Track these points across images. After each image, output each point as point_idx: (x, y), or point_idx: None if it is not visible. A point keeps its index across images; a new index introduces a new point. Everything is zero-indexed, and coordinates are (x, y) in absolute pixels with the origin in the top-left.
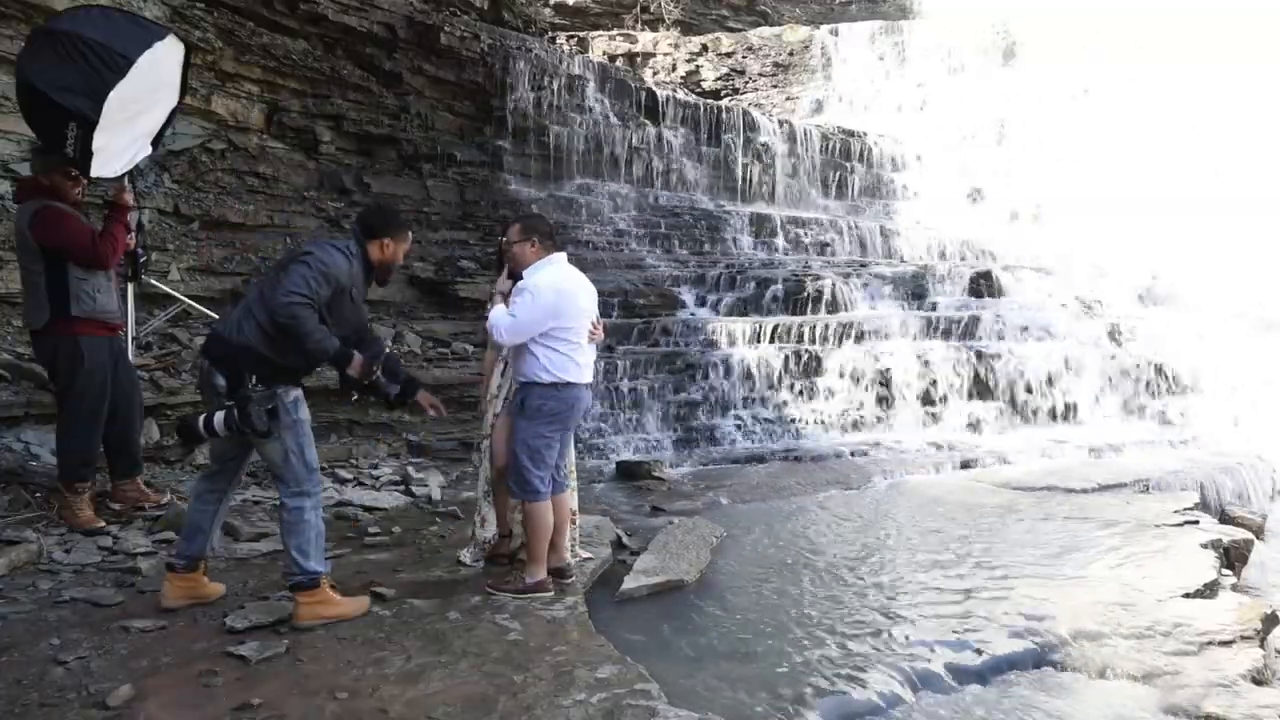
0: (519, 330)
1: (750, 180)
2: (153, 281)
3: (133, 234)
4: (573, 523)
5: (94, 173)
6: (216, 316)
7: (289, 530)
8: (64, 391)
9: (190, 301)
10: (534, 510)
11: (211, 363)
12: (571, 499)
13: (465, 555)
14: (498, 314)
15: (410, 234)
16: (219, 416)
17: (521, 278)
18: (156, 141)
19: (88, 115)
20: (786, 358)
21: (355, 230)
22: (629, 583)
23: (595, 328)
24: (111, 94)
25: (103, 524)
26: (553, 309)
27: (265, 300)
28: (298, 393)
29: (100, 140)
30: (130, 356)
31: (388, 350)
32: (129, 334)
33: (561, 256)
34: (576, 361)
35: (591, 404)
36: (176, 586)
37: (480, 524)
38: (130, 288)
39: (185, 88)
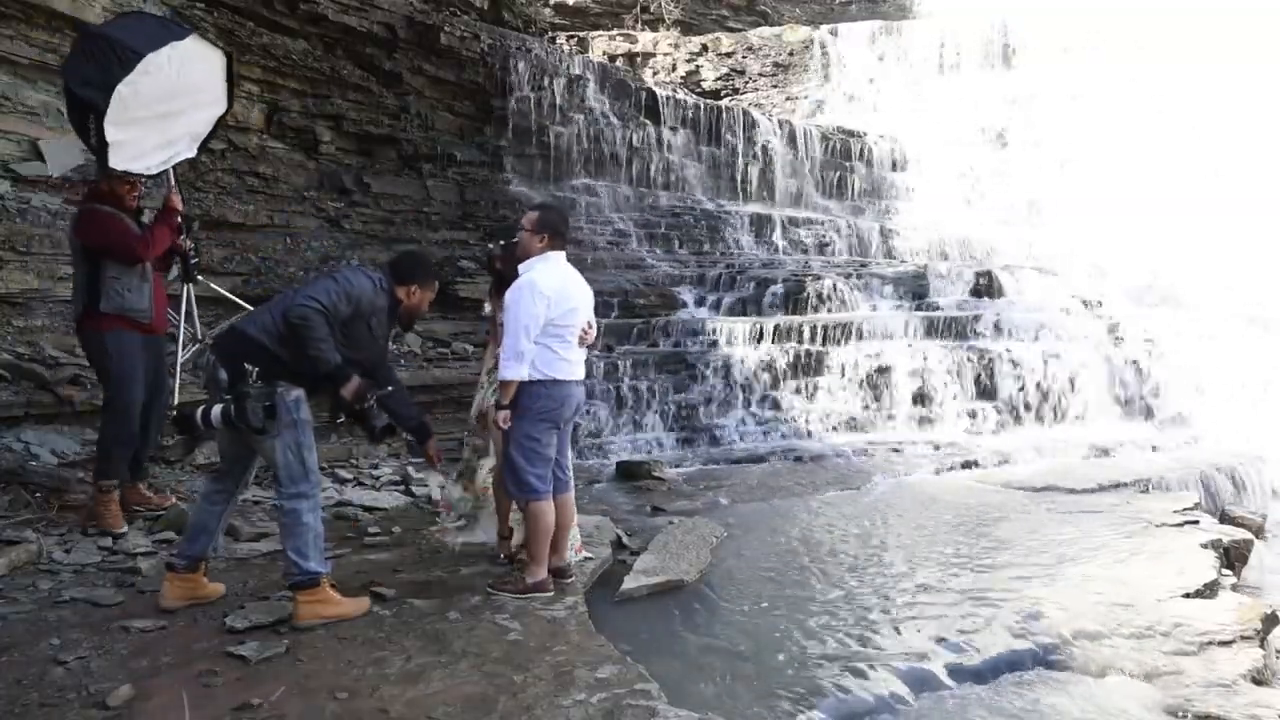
0: (522, 333)
1: (750, 180)
2: (211, 285)
3: (184, 235)
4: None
5: (114, 164)
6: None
7: (286, 532)
8: (103, 388)
9: (245, 304)
10: (534, 509)
11: (217, 358)
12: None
13: (443, 522)
14: (502, 355)
15: (437, 284)
16: (216, 410)
17: (516, 275)
18: (203, 146)
19: (98, 105)
20: (786, 358)
21: (386, 271)
22: (629, 583)
23: (587, 331)
24: (120, 86)
25: (124, 529)
26: (552, 304)
27: (284, 301)
28: (299, 393)
29: (118, 133)
30: (181, 357)
31: (395, 390)
32: (194, 332)
33: (561, 255)
34: (565, 359)
35: (584, 401)
36: (176, 587)
37: (441, 488)
38: (187, 289)
39: (232, 96)
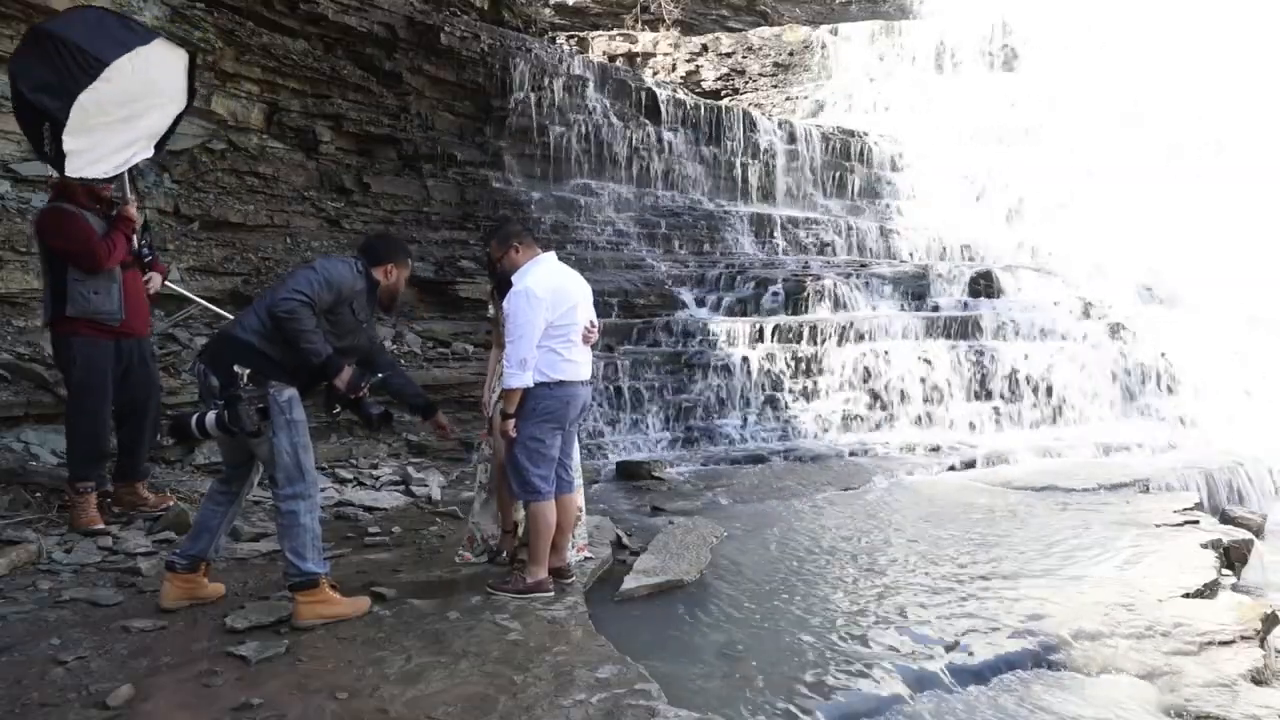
0: (523, 340)
1: (750, 180)
2: (168, 284)
3: (137, 237)
4: (579, 520)
5: (71, 172)
6: (230, 316)
7: (284, 533)
8: (67, 391)
9: (204, 301)
10: (536, 510)
11: (206, 364)
12: (579, 495)
13: (464, 551)
14: (506, 364)
15: (411, 263)
16: (210, 416)
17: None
18: (161, 144)
19: (56, 116)
20: (786, 358)
21: (361, 255)
22: (629, 583)
23: (591, 330)
24: (82, 95)
25: (101, 526)
26: (550, 306)
27: (268, 299)
28: (292, 392)
29: (77, 142)
30: None
31: (394, 373)
32: None
33: (551, 255)
34: (569, 359)
35: (591, 403)
36: (176, 587)
37: (474, 520)
38: None
39: (193, 92)
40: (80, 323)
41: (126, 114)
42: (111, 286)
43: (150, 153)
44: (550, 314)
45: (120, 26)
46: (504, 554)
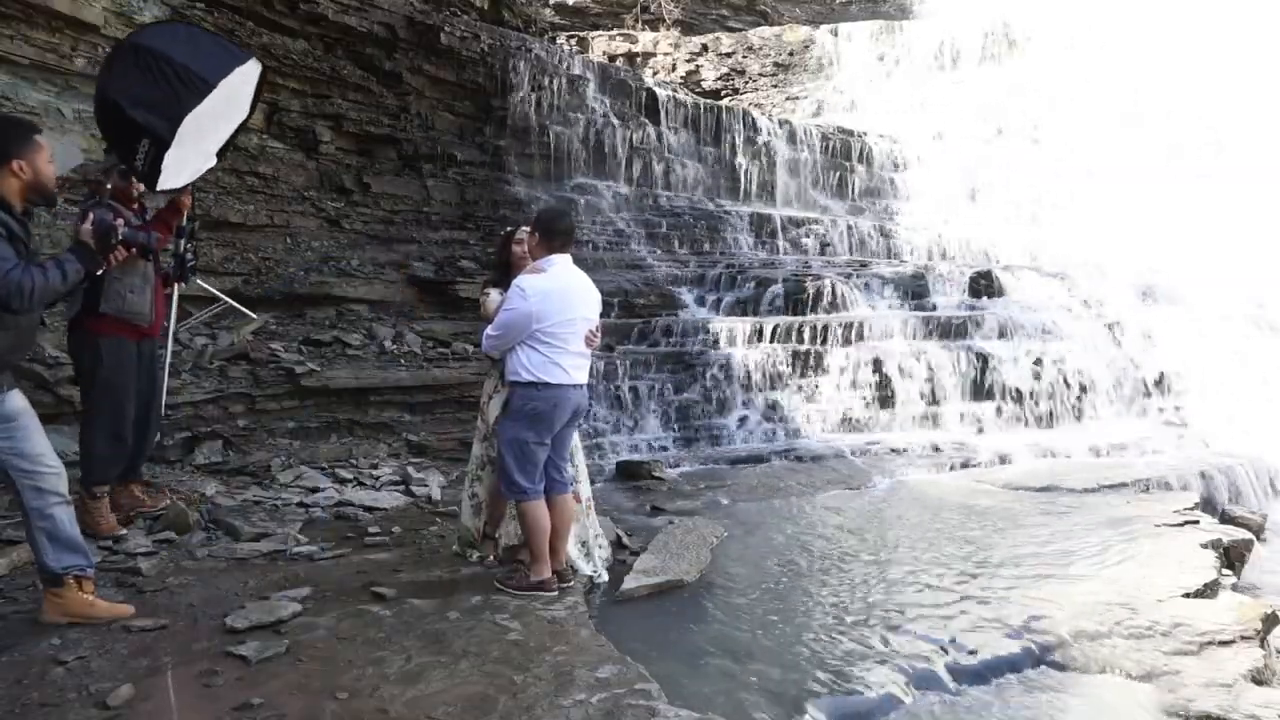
0: (499, 339)
1: (750, 180)
2: (198, 281)
3: (184, 240)
4: (588, 513)
5: (159, 187)
6: (254, 315)
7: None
8: (85, 392)
9: (231, 300)
10: (524, 509)
11: None
12: (584, 488)
13: (457, 547)
14: (490, 327)
15: (37, 139)
16: None
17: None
18: (222, 153)
19: (162, 135)
20: (786, 358)
21: None
22: (629, 582)
23: (594, 335)
24: (188, 117)
25: (124, 531)
26: (536, 313)
27: None
28: None
29: (170, 158)
30: (169, 356)
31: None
32: (169, 332)
33: (562, 259)
34: (558, 364)
35: (587, 406)
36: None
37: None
38: (175, 289)
39: (255, 105)
40: (112, 322)
41: (208, 129)
42: (145, 288)
43: (214, 162)
44: (538, 321)
45: (214, 43)
46: (490, 558)
